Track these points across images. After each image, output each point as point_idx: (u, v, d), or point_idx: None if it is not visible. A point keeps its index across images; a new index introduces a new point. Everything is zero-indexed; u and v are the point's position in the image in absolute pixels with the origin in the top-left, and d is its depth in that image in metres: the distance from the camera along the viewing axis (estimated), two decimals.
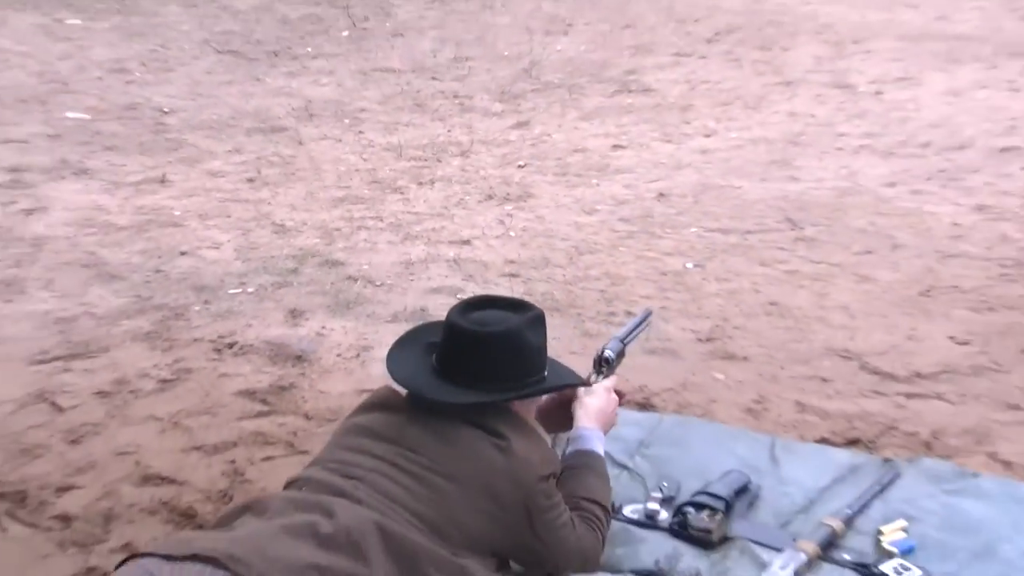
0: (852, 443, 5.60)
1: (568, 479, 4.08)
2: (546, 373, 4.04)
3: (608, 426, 4.41)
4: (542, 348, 4.00)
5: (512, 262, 7.73)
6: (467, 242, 8.06)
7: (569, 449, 4.26)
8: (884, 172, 9.21)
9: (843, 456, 5.18)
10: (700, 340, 6.75)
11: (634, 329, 4.93)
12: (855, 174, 9.18)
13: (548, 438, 4.30)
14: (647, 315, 5.14)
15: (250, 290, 7.41)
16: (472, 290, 7.24)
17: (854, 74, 11.81)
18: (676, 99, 11.08)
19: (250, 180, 9.17)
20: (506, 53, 12.65)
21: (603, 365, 4.61)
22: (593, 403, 4.38)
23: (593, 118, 10.54)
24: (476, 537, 3.71)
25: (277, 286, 7.47)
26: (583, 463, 4.20)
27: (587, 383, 4.42)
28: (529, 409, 4.08)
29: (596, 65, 12.19)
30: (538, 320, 4.00)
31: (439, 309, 6.99)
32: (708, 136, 10.08)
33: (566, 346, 6.59)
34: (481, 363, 3.89)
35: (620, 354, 4.72)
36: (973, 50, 12.59)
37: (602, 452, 4.31)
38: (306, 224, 8.30)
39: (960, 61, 12.20)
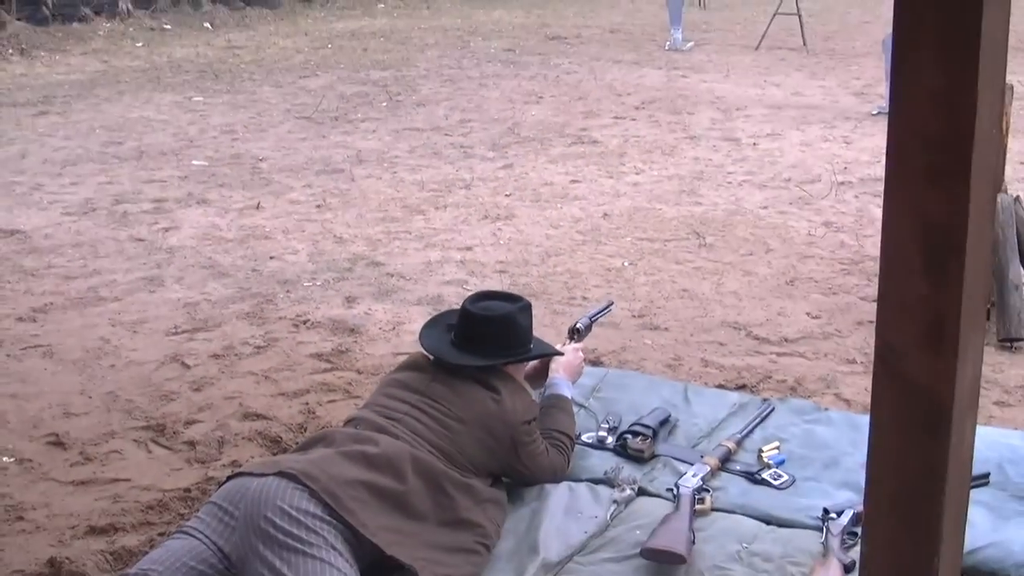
0: (741, 388, 5.56)
1: (545, 415, 4.18)
2: (532, 346, 4.17)
3: (576, 377, 4.52)
4: (529, 328, 4.14)
5: (501, 262, 7.66)
6: (470, 248, 7.98)
7: (546, 392, 4.33)
8: (760, 199, 9.13)
9: (734, 397, 5.14)
10: (634, 316, 6.68)
11: (600, 312, 5.15)
12: (740, 200, 9.09)
13: (533, 392, 4.32)
14: (610, 304, 5.40)
15: (318, 283, 7.32)
16: (474, 283, 7.17)
17: (738, 131, 11.72)
18: (615, 148, 10.99)
19: (318, 206, 9.08)
20: (496, 117, 12.56)
21: (575, 333, 4.81)
22: (564, 360, 4.46)
23: (557, 161, 10.45)
24: (479, 463, 3.82)
25: (337, 280, 7.39)
26: (555, 404, 4.28)
27: (560, 352, 4.47)
28: (518, 371, 4.20)
29: (559, 125, 12.10)
30: (526, 308, 4.16)
31: (451, 296, 6.93)
32: (638, 174, 10.00)
33: (540, 321, 6.50)
34: (485, 338, 3.99)
35: (588, 328, 4.92)
36: (819, 115, 12.54)
37: (569, 395, 4.39)
38: (357, 236, 8.22)
39: (810, 122, 12.13)
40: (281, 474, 3.28)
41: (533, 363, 4.40)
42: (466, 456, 3.75)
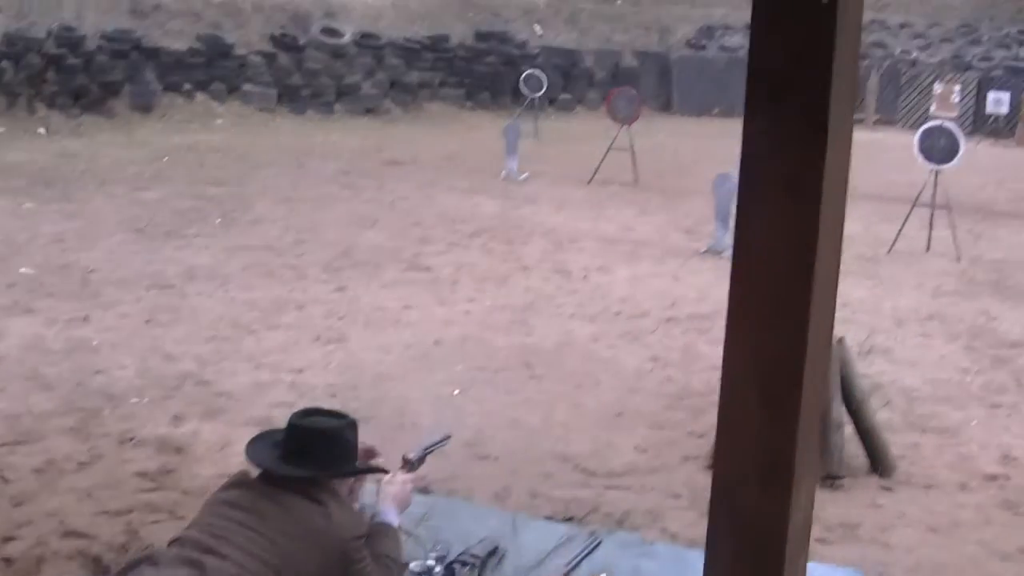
0: (568, 519, 5.55)
1: (373, 541, 4.09)
2: (357, 463, 4.14)
3: (403, 506, 4.44)
4: (355, 444, 4.08)
5: (332, 385, 7.62)
6: (300, 371, 7.92)
7: (374, 520, 4.25)
8: (590, 331, 9.25)
9: (562, 528, 5.15)
10: (464, 445, 6.64)
11: (435, 444, 5.09)
12: (571, 332, 9.20)
13: (357, 507, 4.26)
14: (447, 437, 5.27)
15: (146, 400, 7.19)
16: (303, 405, 7.03)
17: (570, 263, 11.89)
18: (448, 276, 11.06)
19: (148, 321, 8.95)
20: (331, 239, 12.56)
21: (407, 463, 4.72)
22: (392, 489, 4.40)
23: (390, 287, 10.47)
24: None
25: (165, 397, 7.26)
26: (383, 530, 4.21)
27: (385, 470, 4.45)
28: (342, 488, 4.11)
29: (393, 250, 12.14)
30: (353, 424, 4.12)
31: (280, 418, 6.75)
32: (470, 302, 10.06)
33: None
34: (312, 451, 3.92)
35: (420, 459, 4.83)
36: (648, 251, 12.81)
37: (396, 524, 4.33)
38: (187, 354, 8.10)
39: (640, 258, 12.38)
40: None
41: (350, 483, 4.34)
42: (297, 573, 3.67)
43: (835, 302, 2.51)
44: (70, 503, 5.66)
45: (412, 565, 4.58)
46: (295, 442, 3.95)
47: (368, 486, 4.43)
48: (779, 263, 2.36)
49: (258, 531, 3.68)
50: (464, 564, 4.54)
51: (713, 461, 2.56)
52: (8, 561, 5.02)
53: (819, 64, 2.25)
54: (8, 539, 5.24)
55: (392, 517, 4.33)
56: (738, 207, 2.43)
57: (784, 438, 2.38)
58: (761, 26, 2.34)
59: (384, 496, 4.37)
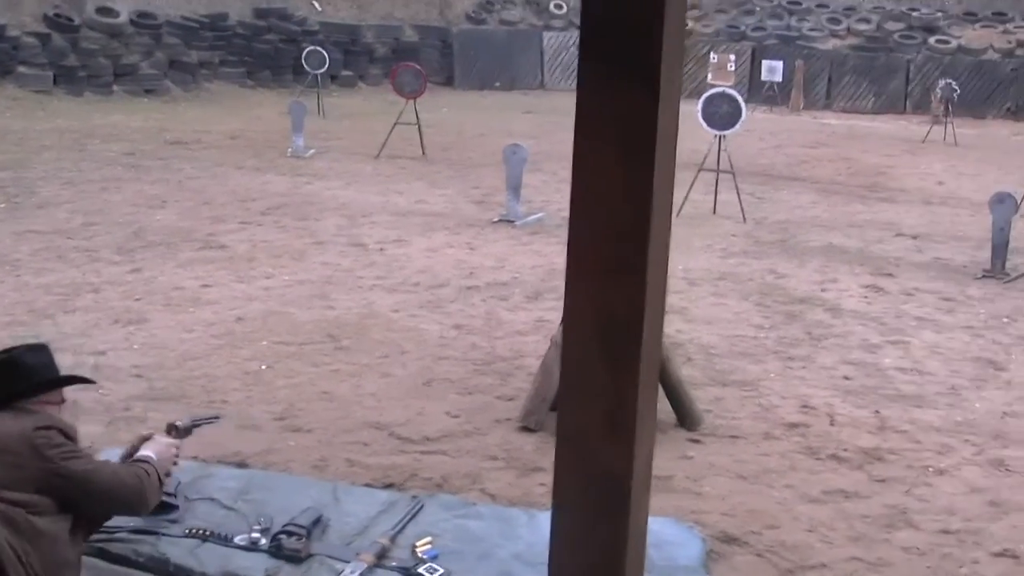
0: (389, 486, 5.62)
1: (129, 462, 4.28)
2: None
3: (164, 461, 4.43)
4: (37, 364, 4.19)
5: (137, 366, 7.48)
6: (103, 353, 7.76)
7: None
8: (391, 302, 9.27)
9: (383, 495, 5.22)
10: (276, 419, 6.65)
11: (205, 419, 5.11)
12: (372, 303, 9.21)
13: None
14: (217, 416, 5.41)
15: None
16: (110, 387, 6.95)
17: (365, 237, 11.88)
18: (244, 253, 10.93)
19: None
20: (120, 221, 12.28)
21: (173, 429, 4.75)
22: (155, 444, 4.47)
23: (186, 266, 10.30)
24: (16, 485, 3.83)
25: None
26: (140, 458, 4.32)
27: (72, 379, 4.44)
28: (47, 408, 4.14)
29: (185, 230, 11.94)
30: (34, 348, 4.32)
31: (87, 402, 6.68)
32: (269, 278, 9.97)
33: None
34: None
35: (188, 429, 4.85)
36: (443, 223, 12.88)
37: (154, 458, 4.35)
38: None
39: (435, 229, 12.44)
40: None
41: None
42: (8, 485, 3.79)
43: (668, 260, 2.60)
44: None
45: (237, 539, 4.60)
46: None
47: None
48: (616, 224, 2.43)
49: None
50: (290, 535, 4.56)
51: (558, 412, 2.63)
52: None
53: (650, 29, 2.32)
54: None
55: (148, 455, 4.37)
56: (574, 172, 2.49)
57: (627, 388, 2.46)
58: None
59: (147, 446, 4.43)
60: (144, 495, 4.12)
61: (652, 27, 2.34)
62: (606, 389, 2.51)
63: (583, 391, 2.54)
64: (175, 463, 4.56)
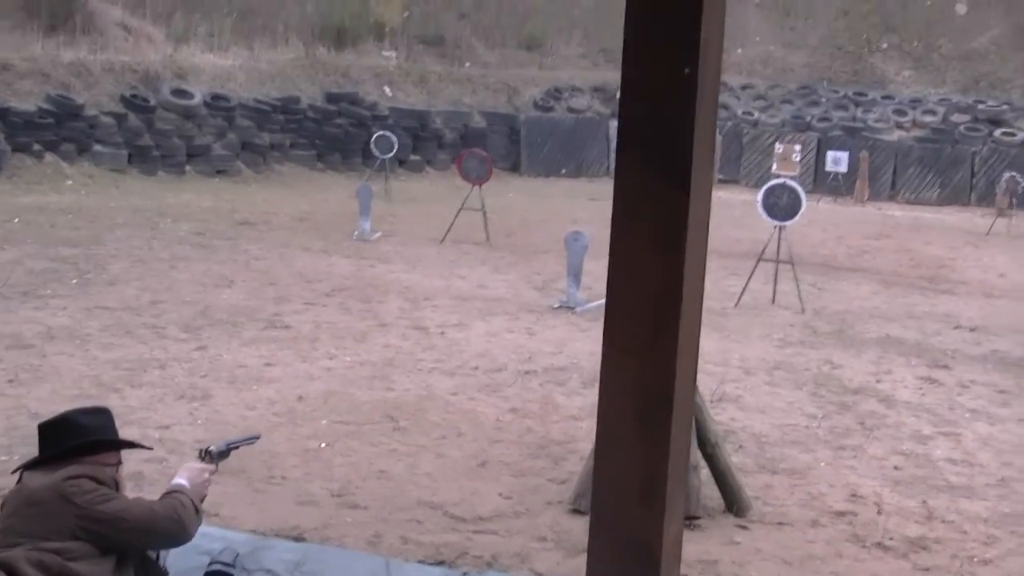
0: (440, 563, 5.75)
1: (164, 496, 4.42)
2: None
3: (197, 491, 4.58)
4: (88, 425, 4.38)
5: (200, 441, 7.62)
6: (167, 427, 7.99)
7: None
8: (450, 385, 9.45)
9: (436, 572, 5.36)
10: (333, 495, 6.82)
11: (242, 441, 5.30)
12: (431, 386, 9.39)
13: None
14: (256, 437, 5.55)
15: (15, 457, 7.15)
16: (173, 460, 7.14)
17: (426, 320, 12.09)
18: (307, 333, 11.17)
19: (10, 381, 8.93)
20: (188, 299, 12.58)
21: (206, 454, 4.88)
22: (188, 469, 4.66)
23: (251, 344, 10.55)
24: (54, 534, 4.05)
25: (34, 455, 7.25)
26: (171, 488, 4.47)
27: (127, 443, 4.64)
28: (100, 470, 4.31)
29: (251, 309, 12.21)
30: (89, 411, 4.57)
31: (152, 474, 6.92)
32: (331, 359, 10.18)
33: (241, 499, 6.61)
34: (46, 441, 4.41)
35: (223, 453, 4.99)
36: (503, 308, 13.05)
37: (187, 485, 4.50)
38: (52, 412, 7.93)
39: (495, 314, 12.62)
40: None
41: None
42: (45, 535, 3.99)
43: (699, 340, 2.76)
44: None
45: None
46: (40, 440, 4.39)
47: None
48: (649, 307, 2.60)
49: (17, 515, 4.08)
50: None
51: (593, 484, 2.77)
52: None
53: (682, 128, 2.51)
54: None
55: (180, 482, 4.53)
56: (610, 259, 2.65)
57: (658, 461, 2.62)
58: (629, 94, 2.60)
59: (180, 473, 4.61)
60: (184, 524, 4.30)
61: (682, 120, 2.52)
62: (638, 462, 2.65)
63: (617, 463, 2.69)
64: (208, 488, 4.72)
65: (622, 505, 2.67)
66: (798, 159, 22.29)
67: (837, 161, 30.36)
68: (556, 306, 13.09)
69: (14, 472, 4.50)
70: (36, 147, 24.05)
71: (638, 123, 2.56)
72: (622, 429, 2.65)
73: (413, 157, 30.83)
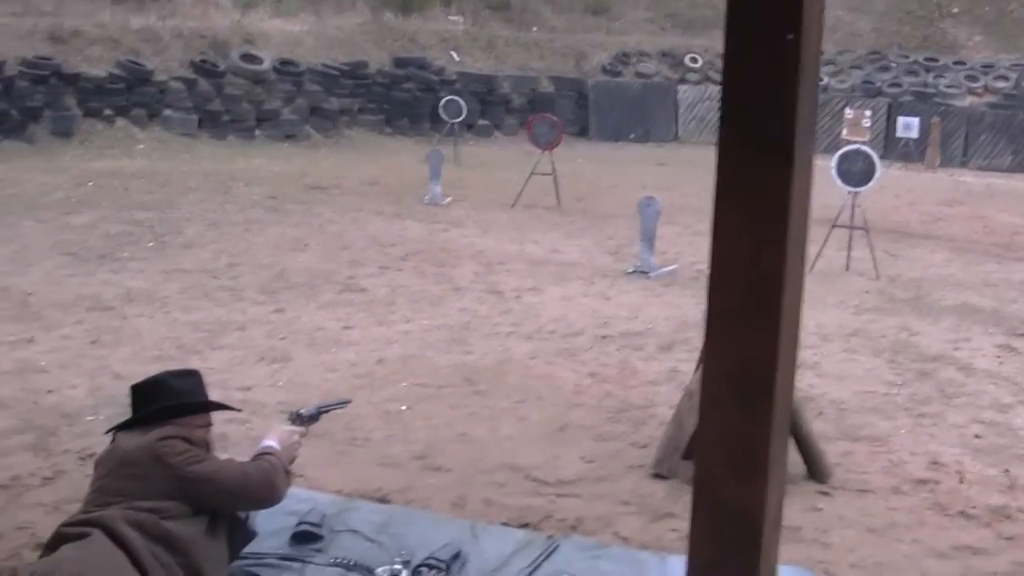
0: (524, 526, 5.80)
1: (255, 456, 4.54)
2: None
3: (288, 453, 4.72)
4: (178, 388, 4.54)
5: (282, 403, 7.77)
6: (249, 389, 8.11)
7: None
8: (527, 349, 9.51)
9: (520, 534, 5.41)
10: (416, 458, 6.91)
11: (332, 405, 5.40)
12: (508, 350, 9.46)
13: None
14: (347, 401, 5.69)
15: (101, 417, 7.31)
16: (256, 423, 7.26)
17: (501, 284, 12.15)
18: (383, 297, 11.27)
19: (92, 342, 9.10)
20: (264, 262, 12.72)
21: (296, 417, 5.03)
22: (278, 432, 4.81)
23: (328, 308, 10.67)
24: (150, 494, 4.16)
25: (120, 415, 7.25)
26: (261, 450, 4.62)
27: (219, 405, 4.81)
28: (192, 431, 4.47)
29: (326, 272, 12.33)
30: (179, 373, 4.74)
31: (234, 434, 7.04)
32: (408, 322, 10.28)
33: (324, 461, 6.71)
34: (137, 403, 4.59)
35: (313, 416, 5.14)
36: (577, 272, 13.08)
37: (277, 448, 4.65)
38: (135, 374, 8.02)
39: (569, 279, 12.65)
40: None
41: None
42: (140, 495, 4.11)
43: (801, 311, 2.79)
44: (38, 517, 5.81)
45: (379, 570, 4.84)
46: (133, 401, 4.55)
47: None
48: (751, 278, 2.62)
49: (112, 475, 4.22)
50: (430, 568, 4.78)
51: (695, 454, 2.81)
52: None
53: (785, 96, 2.53)
54: None
55: (271, 444, 4.67)
56: (713, 225, 2.68)
57: (760, 432, 2.65)
58: (732, 60, 2.61)
59: (269, 435, 4.76)
60: (274, 486, 4.41)
61: (785, 85, 2.53)
62: (740, 432, 2.68)
63: (719, 434, 2.72)
64: (297, 451, 4.84)
65: (723, 476, 2.70)
66: (868, 124, 22.14)
67: (908, 127, 30.04)
68: (630, 271, 13.09)
69: (107, 433, 4.61)
70: (107, 112, 24.36)
71: (740, 91, 2.58)
72: (725, 399, 2.68)
73: (481, 122, 30.84)
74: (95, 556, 3.72)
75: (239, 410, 5.71)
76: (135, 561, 3.78)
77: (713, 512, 2.73)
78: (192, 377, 4.68)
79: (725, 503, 2.70)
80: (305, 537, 5.15)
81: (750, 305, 2.62)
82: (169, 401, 4.43)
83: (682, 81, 34.59)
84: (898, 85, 33.82)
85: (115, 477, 4.17)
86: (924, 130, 30.02)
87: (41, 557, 3.96)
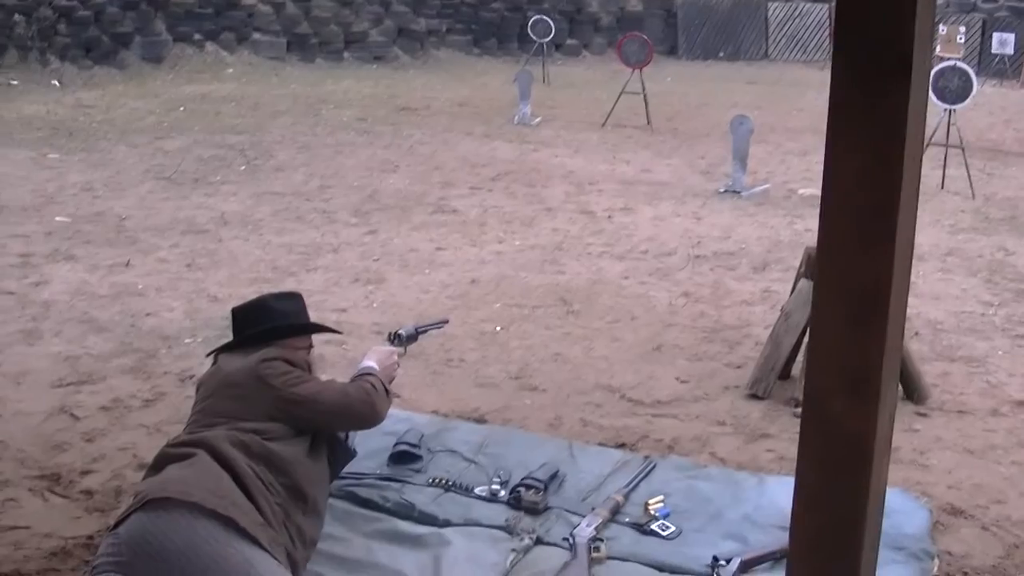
0: (621, 446, 5.80)
1: (356, 377, 4.55)
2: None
3: (386, 373, 4.73)
4: (282, 309, 4.57)
5: (377, 324, 7.84)
6: (344, 310, 8.15)
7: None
8: (620, 269, 9.46)
9: (617, 454, 5.40)
10: (511, 378, 6.92)
11: (431, 325, 5.46)
12: (601, 270, 9.41)
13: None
14: (444, 321, 5.73)
15: (199, 340, 7.40)
16: (352, 343, 7.30)
17: (592, 205, 12.08)
18: (475, 218, 11.26)
19: (188, 265, 9.19)
20: (355, 184, 12.75)
21: (395, 338, 5.08)
22: (377, 353, 4.82)
23: (420, 229, 10.68)
24: (257, 415, 4.19)
25: (217, 337, 7.37)
26: (361, 371, 4.63)
27: (327, 327, 5.01)
28: (294, 352, 4.49)
29: (417, 194, 12.33)
30: (281, 295, 4.83)
31: (331, 356, 7.08)
32: (500, 243, 10.27)
33: (420, 381, 6.74)
34: (240, 325, 4.57)
35: (412, 336, 5.18)
36: (668, 192, 12.97)
37: (376, 368, 4.65)
38: (232, 296, 8.27)
39: (661, 198, 12.54)
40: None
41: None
42: (243, 416, 4.13)
43: (914, 233, 2.72)
44: (140, 438, 5.91)
45: (478, 490, 4.86)
46: (234, 323, 4.56)
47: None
48: (866, 199, 2.56)
49: (215, 396, 4.24)
50: (528, 488, 4.79)
51: (805, 374, 2.76)
52: (88, 493, 5.28)
53: (905, 6, 2.45)
54: (86, 472, 5.50)
55: (370, 365, 4.68)
56: (827, 142, 2.61)
57: (873, 353, 2.60)
58: None
59: (368, 356, 4.77)
60: (375, 407, 4.41)
61: (906, 16, 2.45)
62: (853, 353, 2.63)
63: (831, 354, 2.67)
64: (396, 371, 4.85)
65: (834, 396, 2.65)
66: (962, 41, 21.62)
67: (1003, 43, 29.27)
68: (722, 191, 12.95)
69: (208, 355, 4.64)
70: (196, 37, 24.46)
71: (857, 4, 2.50)
72: (837, 321, 2.63)
73: (570, 41, 30.56)
74: (200, 476, 3.76)
75: (340, 332, 5.74)
76: (239, 481, 3.81)
77: (823, 434, 2.69)
78: (294, 299, 4.69)
79: (836, 425, 2.65)
80: (404, 457, 5.17)
81: (865, 226, 2.56)
82: (271, 323, 4.45)
83: None
84: (993, 0, 32.99)
85: (218, 398, 4.19)
86: (1020, 46, 29.27)
87: (145, 478, 4.00)
